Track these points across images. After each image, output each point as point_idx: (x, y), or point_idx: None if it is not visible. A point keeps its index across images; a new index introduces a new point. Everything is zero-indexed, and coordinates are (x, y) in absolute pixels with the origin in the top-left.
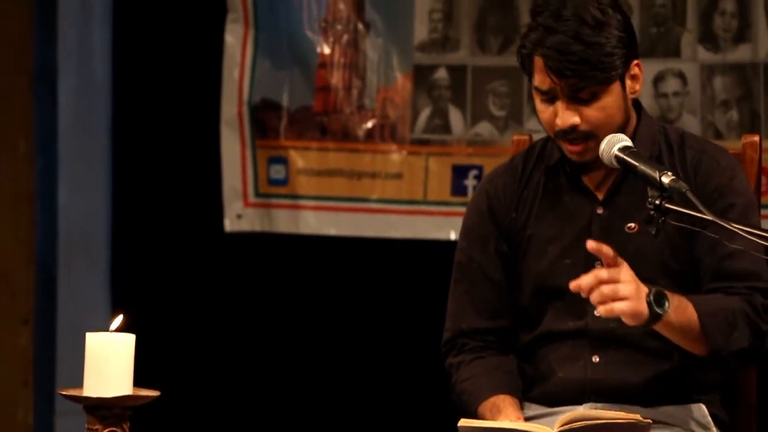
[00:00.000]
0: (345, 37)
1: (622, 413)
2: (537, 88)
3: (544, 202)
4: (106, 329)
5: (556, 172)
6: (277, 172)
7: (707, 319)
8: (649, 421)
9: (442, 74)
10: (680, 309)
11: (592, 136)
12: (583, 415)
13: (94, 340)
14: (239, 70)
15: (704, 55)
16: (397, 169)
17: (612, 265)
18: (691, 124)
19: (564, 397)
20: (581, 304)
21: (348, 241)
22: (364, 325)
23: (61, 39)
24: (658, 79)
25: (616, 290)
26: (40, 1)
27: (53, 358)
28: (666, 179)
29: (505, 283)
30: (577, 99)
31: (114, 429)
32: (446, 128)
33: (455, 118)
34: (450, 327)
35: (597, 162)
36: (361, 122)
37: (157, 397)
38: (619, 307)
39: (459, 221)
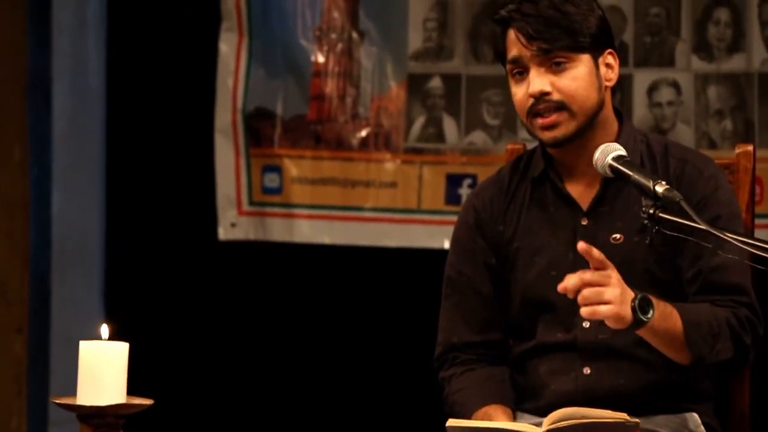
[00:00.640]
0: (339, 46)
1: (610, 412)
2: (509, 63)
3: (530, 214)
4: (99, 338)
5: (542, 182)
6: (271, 180)
7: (691, 328)
8: (637, 421)
9: (436, 83)
10: (665, 316)
11: (563, 107)
12: (571, 414)
13: (87, 348)
14: (233, 79)
15: (698, 64)
16: (391, 178)
17: (599, 268)
18: (685, 133)
19: (556, 408)
20: (570, 316)
21: (342, 249)
22: (359, 333)
23: (55, 46)
24: (652, 89)
25: (601, 293)
26: (34, 8)
27: (47, 367)
28: (660, 188)
29: (494, 296)
30: (548, 66)
31: None
32: (440, 137)
33: (449, 126)
34: (441, 341)
35: (579, 170)
36: (356, 131)
37: (150, 406)
38: (602, 310)
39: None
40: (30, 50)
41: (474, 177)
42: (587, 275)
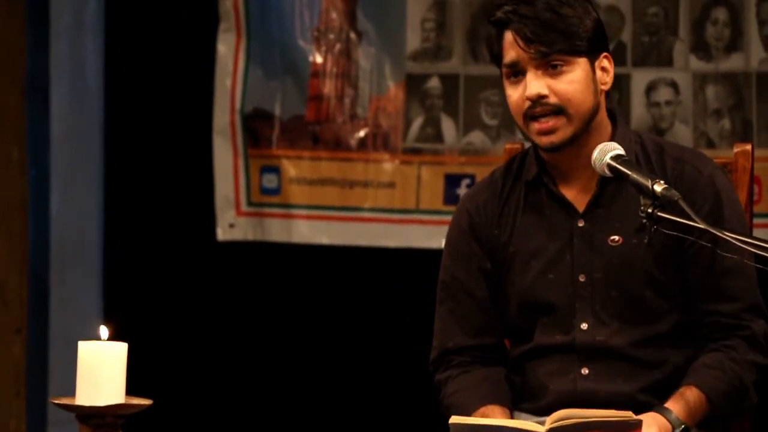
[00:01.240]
0: (337, 47)
1: (614, 411)
2: (506, 66)
3: (525, 217)
4: (98, 338)
5: (536, 185)
6: (270, 181)
7: (720, 401)
8: (640, 419)
9: (434, 83)
10: (697, 414)
11: (560, 111)
12: (574, 413)
13: (86, 349)
14: (231, 80)
15: (696, 64)
16: (390, 178)
17: None
18: (683, 133)
19: (555, 409)
20: (569, 318)
21: (340, 250)
22: (357, 333)
23: (53, 48)
24: (650, 89)
25: None
26: (33, 10)
27: (46, 368)
28: (659, 188)
29: (489, 299)
30: (545, 69)
31: None
32: (439, 137)
33: (448, 127)
34: (437, 346)
35: (574, 172)
36: (354, 131)
37: (149, 406)
38: None
39: None
40: (28, 52)
41: (472, 177)
42: None
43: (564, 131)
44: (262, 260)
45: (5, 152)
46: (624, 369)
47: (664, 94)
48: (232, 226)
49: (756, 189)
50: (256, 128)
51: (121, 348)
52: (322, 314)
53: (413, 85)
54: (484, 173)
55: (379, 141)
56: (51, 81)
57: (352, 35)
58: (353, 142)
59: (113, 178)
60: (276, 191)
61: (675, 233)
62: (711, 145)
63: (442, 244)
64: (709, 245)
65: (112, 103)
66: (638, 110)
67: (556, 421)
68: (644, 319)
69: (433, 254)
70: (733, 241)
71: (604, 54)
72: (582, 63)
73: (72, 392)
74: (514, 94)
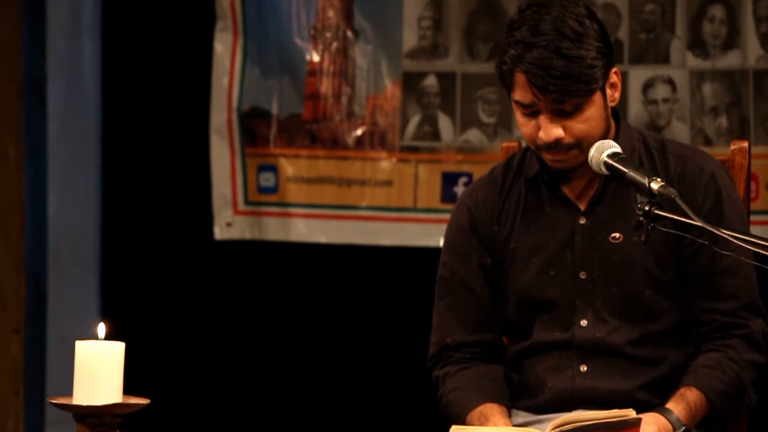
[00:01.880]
0: (334, 45)
1: (615, 411)
2: (518, 102)
3: (525, 215)
4: (95, 338)
5: (537, 183)
6: (267, 179)
7: (720, 401)
8: (640, 417)
9: (431, 81)
10: (697, 415)
11: (574, 147)
12: (575, 418)
13: (83, 348)
14: (228, 78)
15: (693, 61)
16: (387, 177)
17: None
18: (680, 130)
19: (553, 406)
20: (568, 314)
21: (338, 248)
22: (355, 332)
23: (50, 48)
24: (647, 86)
25: None
26: (29, 9)
27: (43, 367)
28: (655, 185)
29: (488, 296)
30: (560, 112)
31: None
32: (436, 135)
33: (444, 125)
34: (435, 341)
35: (576, 171)
36: (351, 130)
37: (147, 405)
38: None
39: None
40: (25, 51)
41: (469, 175)
42: None
43: (576, 159)
44: (260, 259)
45: (2, 152)
46: (623, 366)
47: (661, 91)
48: (229, 224)
49: (753, 186)
50: (253, 127)
51: (119, 347)
52: (320, 313)
53: (410, 83)
54: (481, 171)
55: (376, 139)
56: (48, 80)
57: (349, 34)
58: (350, 141)
59: (110, 177)
60: (273, 190)
61: (673, 231)
62: (708, 142)
63: (440, 242)
64: (708, 243)
65: (109, 102)
66: (635, 108)
67: (557, 427)
68: (644, 317)
69: (430, 252)
70: (732, 240)
71: (614, 70)
72: (596, 98)
73: (70, 392)
74: (527, 125)
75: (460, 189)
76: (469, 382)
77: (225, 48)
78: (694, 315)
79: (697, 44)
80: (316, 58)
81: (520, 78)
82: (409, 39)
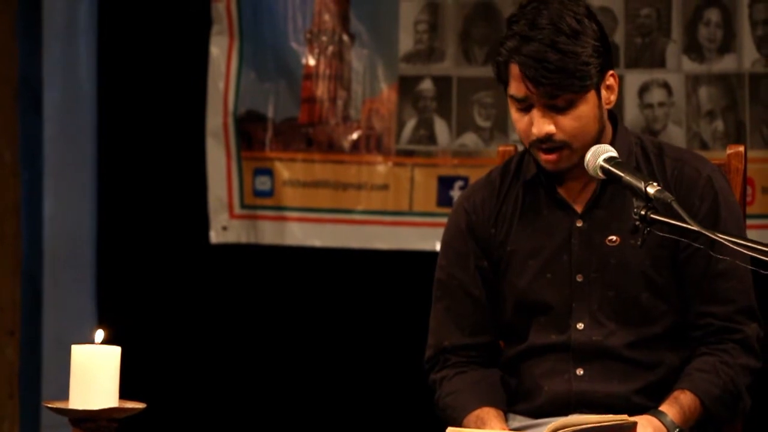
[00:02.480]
0: (330, 49)
1: (610, 415)
2: (513, 97)
3: (523, 217)
4: (91, 341)
5: (534, 186)
6: (263, 183)
7: (715, 406)
8: (635, 420)
9: (427, 85)
10: (691, 418)
11: (566, 146)
12: (572, 422)
13: (79, 352)
14: (224, 82)
15: (689, 65)
16: (383, 181)
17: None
18: (676, 134)
19: (549, 409)
20: (565, 317)
21: (334, 252)
22: (350, 336)
23: (46, 50)
24: (643, 90)
25: None
26: (25, 11)
27: (39, 371)
28: (651, 190)
29: (486, 299)
30: (553, 107)
31: None
32: (432, 139)
33: (441, 129)
34: (432, 344)
35: (573, 174)
36: (347, 133)
37: (143, 409)
38: None
39: None
40: (21, 54)
41: (465, 179)
42: None
43: (569, 159)
44: (256, 263)
45: None
46: (619, 370)
47: (657, 95)
48: (225, 228)
49: (749, 190)
50: (249, 130)
51: (115, 351)
52: (316, 317)
53: (406, 87)
54: (477, 175)
55: (372, 143)
56: (43, 83)
57: (345, 37)
58: (346, 145)
59: (106, 180)
60: (269, 193)
61: (669, 235)
62: (704, 146)
63: (436, 246)
64: (704, 247)
65: (105, 105)
66: (631, 112)
67: (553, 431)
68: (640, 320)
69: (426, 256)
70: (728, 243)
71: (610, 72)
72: (589, 96)
73: (65, 395)
74: (520, 121)
75: (456, 193)
76: (466, 385)
77: (221, 51)
78: (690, 318)
79: (693, 48)
80: (312, 61)
81: (514, 70)
82: (405, 43)
